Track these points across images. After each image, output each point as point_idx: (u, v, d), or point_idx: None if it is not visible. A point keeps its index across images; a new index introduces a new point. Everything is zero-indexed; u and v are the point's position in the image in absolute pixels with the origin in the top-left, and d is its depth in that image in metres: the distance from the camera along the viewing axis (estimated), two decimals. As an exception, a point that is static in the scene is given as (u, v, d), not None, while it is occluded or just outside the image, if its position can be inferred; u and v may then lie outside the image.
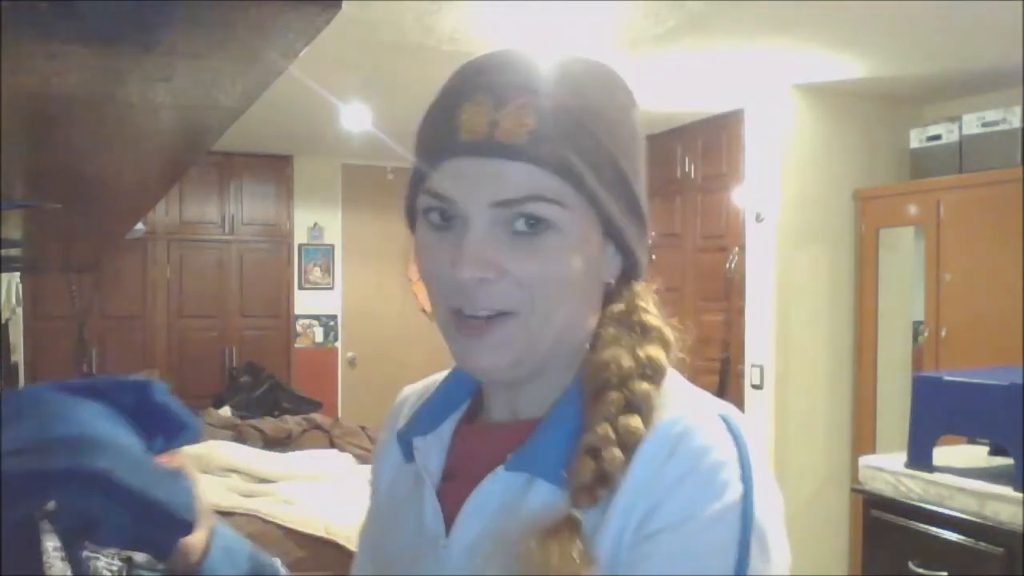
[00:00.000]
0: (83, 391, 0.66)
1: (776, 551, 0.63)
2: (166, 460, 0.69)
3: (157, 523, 0.66)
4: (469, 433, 0.77)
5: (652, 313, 0.73)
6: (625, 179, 0.69)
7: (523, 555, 0.62)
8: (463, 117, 0.65)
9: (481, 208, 0.65)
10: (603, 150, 0.67)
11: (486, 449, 0.72)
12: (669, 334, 0.72)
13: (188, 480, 0.70)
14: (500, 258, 0.65)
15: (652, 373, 0.68)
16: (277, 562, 0.82)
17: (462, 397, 0.79)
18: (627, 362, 0.68)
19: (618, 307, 0.73)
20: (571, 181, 0.65)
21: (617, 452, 0.63)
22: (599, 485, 0.63)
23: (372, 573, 0.82)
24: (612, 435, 0.64)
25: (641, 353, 0.69)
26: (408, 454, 0.78)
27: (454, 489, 0.73)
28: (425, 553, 0.73)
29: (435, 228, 0.68)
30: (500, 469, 0.69)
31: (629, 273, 0.74)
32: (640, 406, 0.65)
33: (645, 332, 0.71)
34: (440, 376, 0.85)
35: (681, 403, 0.67)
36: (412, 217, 0.72)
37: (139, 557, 0.69)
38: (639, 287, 0.74)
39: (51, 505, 0.62)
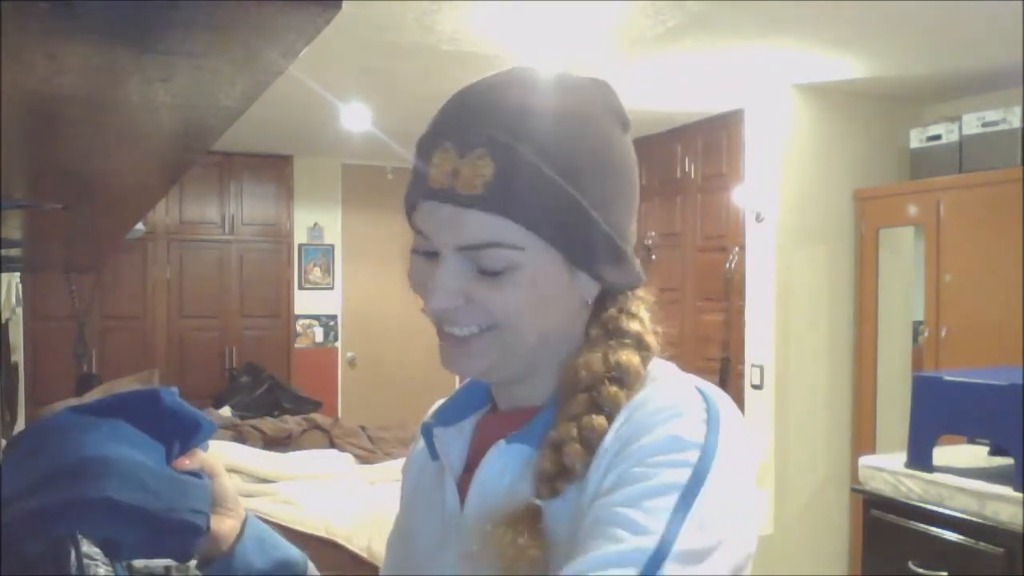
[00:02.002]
0: (99, 410, 0.71)
1: (737, 516, 0.63)
2: (186, 462, 0.74)
3: (170, 532, 0.69)
4: (485, 425, 0.81)
5: (637, 319, 0.76)
6: (585, 216, 0.70)
7: (484, 538, 0.68)
8: (433, 162, 0.70)
9: (449, 249, 0.70)
10: (560, 192, 0.69)
11: (496, 435, 0.75)
12: (650, 339, 0.75)
13: (204, 481, 0.74)
14: (467, 288, 0.70)
15: (621, 376, 0.71)
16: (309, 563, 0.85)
17: (483, 396, 0.83)
18: (597, 367, 0.71)
19: (608, 313, 0.76)
20: (528, 227, 0.68)
21: (578, 447, 0.67)
22: (560, 477, 0.67)
23: (398, 565, 0.86)
24: (575, 433, 0.68)
25: (612, 358, 0.72)
26: (434, 451, 0.82)
27: (472, 476, 0.77)
28: (445, 531, 0.78)
29: (420, 251, 0.74)
30: (502, 443, 0.73)
31: (614, 289, 0.76)
32: (605, 406, 0.69)
33: (622, 338, 0.74)
34: None
35: (660, 380, 0.71)
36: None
37: (138, 563, 0.73)
38: (630, 296, 0.77)
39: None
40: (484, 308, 0.70)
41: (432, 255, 0.72)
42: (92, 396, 4.08)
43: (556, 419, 0.71)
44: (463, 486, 0.77)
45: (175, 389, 0.74)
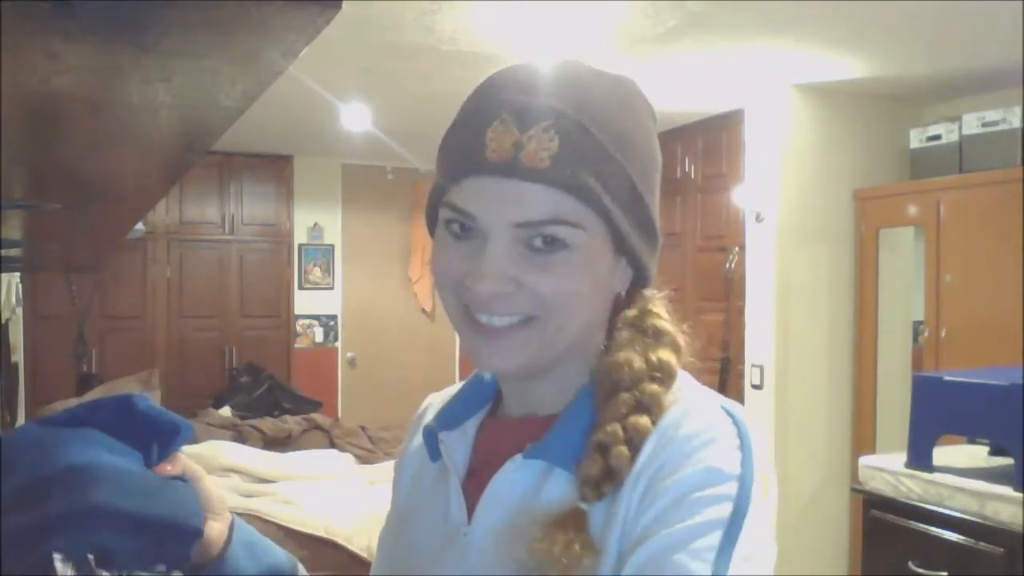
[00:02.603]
0: (68, 421, 0.66)
1: (768, 536, 0.64)
2: (166, 467, 0.70)
3: (167, 538, 0.66)
4: (490, 429, 0.80)
5: (664, 319, 0.76)
6: (639, 199, 0.71)
7: (530, 545, 0.66)
8: (489, 136, 0.67)
9: (502, 227, 0.67)
10: (621, 172, 0.69)
11: (506, 443, 0.74)
12: (680, 339, 0.75)
13: (190, 485, 0.71)
14: (516, 272, 0.68)
15: (662, 376, 0.71)
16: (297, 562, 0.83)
17: (486, 396, 0.82)
18: (639, 364, 0.71)
19: (632, 313, 0.75)
20: (589, 203, 0.67)
21: (624, 449, 0.66)
22: (606, 480, 0.66)
23: (393, 567, 0.84)
24: (621, 433, 0.67)
25: (653, 356, 0.72)
26: (434, 453, 0.80)
27: (477, 482, 0.75)
28: (449, 541, 0.76)
29: (454, 235, 0.70)
30: (519, 457, 0.72)
31: (638, 283, 0.76)
32: (649, 406, 0.68)
33: (657, 336, 0.74)
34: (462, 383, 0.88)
35: (687, 399, 0.70)
36: (432, 225, 0.75)
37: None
38: (650, 294, 0.77)
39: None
40: (532, 294, 0.68)
41: (466, 236, 0.69)
42: (92, 396, 4.08)
43: (594, 424, 0.69)
44: (466, 490, 0.76)
45: (148, 395, 0.71)
